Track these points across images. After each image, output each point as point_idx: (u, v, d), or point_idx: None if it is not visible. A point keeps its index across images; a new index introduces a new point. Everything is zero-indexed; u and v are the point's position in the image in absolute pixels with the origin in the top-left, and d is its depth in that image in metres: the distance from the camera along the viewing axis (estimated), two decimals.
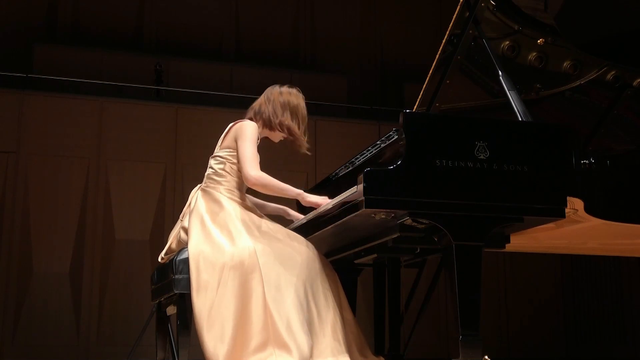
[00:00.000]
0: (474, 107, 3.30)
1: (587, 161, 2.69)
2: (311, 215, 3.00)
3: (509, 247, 2.80)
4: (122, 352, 5.30)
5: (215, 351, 2.58)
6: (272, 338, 2.62)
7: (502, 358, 6.56)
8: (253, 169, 2.92)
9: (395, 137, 2.69)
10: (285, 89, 3.15)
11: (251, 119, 3.12)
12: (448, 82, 3.06)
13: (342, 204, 2.60)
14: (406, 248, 2.99)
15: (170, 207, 6.10)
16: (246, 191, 3.09)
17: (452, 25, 3.06)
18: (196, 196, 3.01)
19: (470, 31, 3.03)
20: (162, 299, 3.05)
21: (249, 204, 3.08)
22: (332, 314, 2.84)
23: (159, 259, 3.03)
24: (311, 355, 2.67)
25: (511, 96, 2.82)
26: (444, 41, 3.08)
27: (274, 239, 2.85)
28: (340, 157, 4.21)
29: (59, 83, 6.35)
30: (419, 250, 3.03)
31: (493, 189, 2.50)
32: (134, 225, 6.07)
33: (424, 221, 2.48)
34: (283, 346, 2.60)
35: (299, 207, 3.37)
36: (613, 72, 3.36)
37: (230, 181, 3.00)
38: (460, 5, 3.03)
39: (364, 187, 2.37)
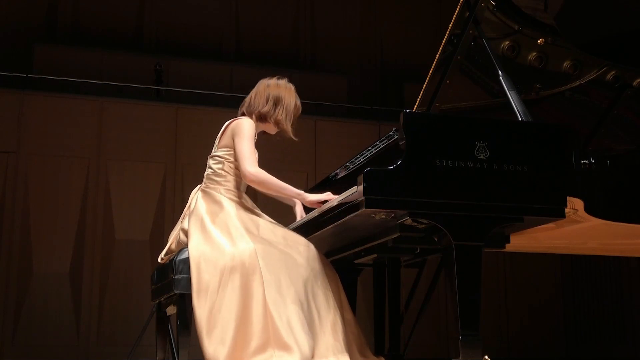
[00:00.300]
0: (474, 107, 3.29)
1: (587, 161, 2.69)
2: (314, 213, 3.00)
3: (509, 247, 2.79)
4: (122, 352, 5.30)
5: (216, 354, 2.57)
6: (273, 339, 2.61)
7: (502, 358, 6.56)
8: (251, 166, 2.91)
9: (395, 137, 2.69)
10: (273, 80, 3.15)
11: (244, 115, 3.13)
12: (448, 82, 3.05)
13: (342, 204, 2.60)
14: (406, 248, 2.98)
15: (170, 207, 6.11)
16: (245, 190, 3.09)
17: (452, 25, 3.05)
18: (196, 197, 3.00)
19: (470, 31, 3.02)
20: (162, 299, 3.05)
21: (249, 203, 3.08)
22: (332, 314, 2.83)
23: (159, 260, 3.03)
24: (312, 355, 2.67)
25: (511, 96, 2.82)
26: (444, 41, 3.08)
27: (274, 239, 2.84)
28: (340, 157, 4.21)
29: (59, 83, 6.35)
30: (419, 250, 3.03)
31: (493, 189, 2.49)
32: (134, 225, 6.07)
33: (424, 221, 2.47)
34: (284, 346, 2.60)
35: (303, 207, 3.36)
36: (613, 72, 3.36)
37: (230, 181, 3.00)
38: (460, 5, 3.02)
39: (364, 187, 2.37)
